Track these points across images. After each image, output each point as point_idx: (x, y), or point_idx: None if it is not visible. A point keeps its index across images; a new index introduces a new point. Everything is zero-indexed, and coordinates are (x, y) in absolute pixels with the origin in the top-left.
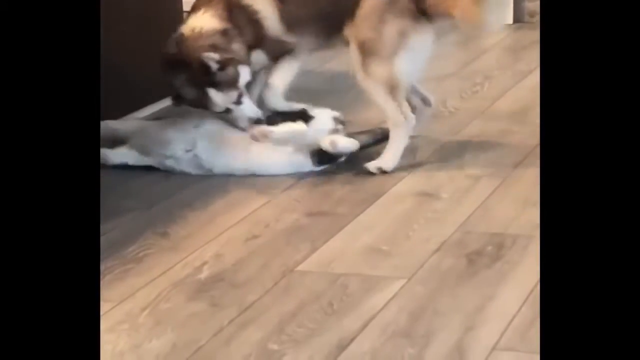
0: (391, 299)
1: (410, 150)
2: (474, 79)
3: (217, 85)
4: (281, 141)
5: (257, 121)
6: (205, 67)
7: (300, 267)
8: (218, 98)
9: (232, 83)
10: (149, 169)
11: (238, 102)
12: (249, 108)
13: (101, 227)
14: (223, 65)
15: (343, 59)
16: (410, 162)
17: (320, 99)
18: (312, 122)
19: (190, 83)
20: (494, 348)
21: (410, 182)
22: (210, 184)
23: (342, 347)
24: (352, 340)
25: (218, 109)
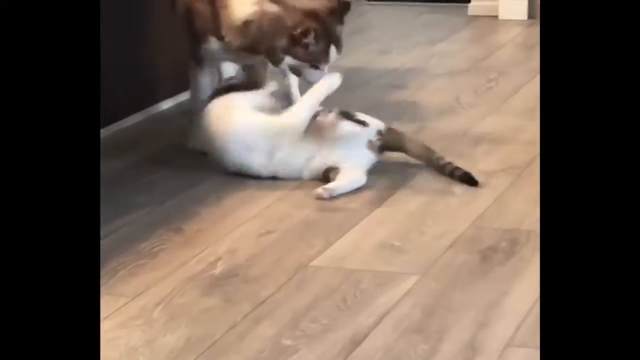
0: (405, 295)
1: None
2: (488, 75)
3: (338, 42)
4: (345, 134)
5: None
6: (338, 18)
7: (313, 263)
8: (334, 55)
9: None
10: (163, 165)
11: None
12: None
13: (115, 222)
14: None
15: (356, 54)
16: None
17: (334, 93)
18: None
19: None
20: (507, 344)
21: (424, 178)
22: (223, 180)
23: (356, 342)
24: (365, 336)
25: (323, 68)
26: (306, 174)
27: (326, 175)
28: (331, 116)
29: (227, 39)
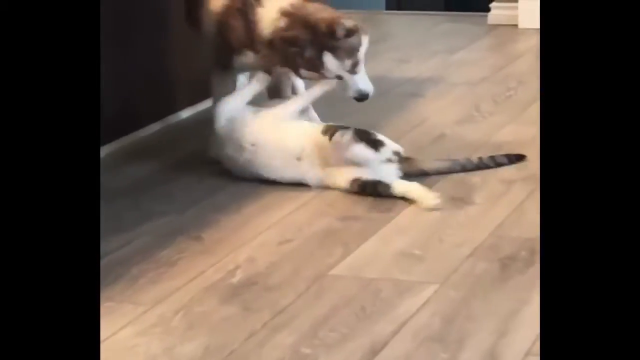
0: (424, 303)
1: (443, 155)
2: (508, 83)
3: (335, 51)
4: (356, 158)
5: (364, 97)
6: (332, 32)
7: (333, 272)
8: (333, 64)
9: (351, 51)
10: (182, 173)
11: (352, 71)
12: (362, 80)
13: (135, 230)
14: (350, 32)
15: (375, 63)
16: None
17: (351, 105)
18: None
19: (309, 47)
20: (527, 353)
21: (444, 186)
22: (242, 188)
23: (375, 351)
24: (384, 344)
25: (329, 75)
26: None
27: (362, 188)
28: (346, 137)
29: (261, 52)
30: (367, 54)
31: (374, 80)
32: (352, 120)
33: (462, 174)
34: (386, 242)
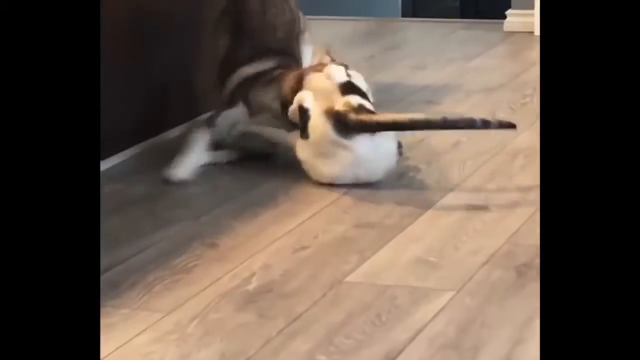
0: (440, 311)
1: (458, 163)
2: (524, 90)
3: None
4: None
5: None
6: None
7: (348, 278)
8: None
9: None
10: (198, 179)
11: None
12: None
13: (151, 237)
14: None
15: (391, 70)
16: (459, 174)
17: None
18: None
19: None
20: None
21: (459, 193)
22: (257, 195)
23: (390, 359)
24: (400, 352)
25: None
26: None
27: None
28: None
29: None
30: (382, 61)
31: (389, 87)
32: None
33: (477, 183)
34: (402, 249)
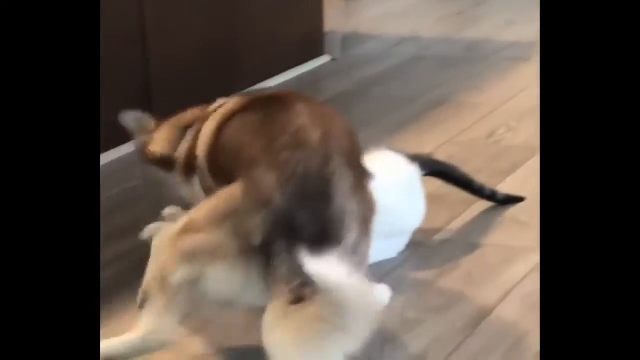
0: (531, 270)
1: None
2: None
3: None
4: None
5: None
6: None
7: (438, 236)
8: None
9: None
10: None
11: None
12: None
13: None
14: None
15: (479, 27)
16: None
17: (456, 66)
18: None
19: None
20: None
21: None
22: None
23: (483, 316)
24: (491, 310)
25: None
26: None
27: None
28: None
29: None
30: (471, 16)
31: (478, 43)
32: (450, 84)
33: None
34: (493, 207)
